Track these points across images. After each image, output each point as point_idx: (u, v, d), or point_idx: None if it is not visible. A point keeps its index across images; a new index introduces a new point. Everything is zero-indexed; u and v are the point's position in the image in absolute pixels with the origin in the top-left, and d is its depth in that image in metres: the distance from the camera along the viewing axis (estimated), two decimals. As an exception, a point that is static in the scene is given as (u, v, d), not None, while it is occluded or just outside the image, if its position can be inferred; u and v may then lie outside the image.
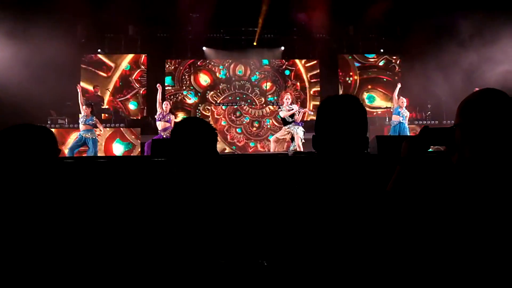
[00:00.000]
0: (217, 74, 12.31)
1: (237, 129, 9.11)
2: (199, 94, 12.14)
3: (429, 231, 1.28)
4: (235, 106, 9.27)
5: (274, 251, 1.36)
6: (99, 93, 11.34)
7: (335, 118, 1.38)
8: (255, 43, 12.10)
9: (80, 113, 8.05)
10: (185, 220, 1.47)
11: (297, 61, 12.65)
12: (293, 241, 1.32)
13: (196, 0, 10.19)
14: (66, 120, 9.58)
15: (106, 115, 10.86)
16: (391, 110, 8.47)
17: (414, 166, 1.41)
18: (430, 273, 1.25)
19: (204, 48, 12.29)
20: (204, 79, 12.23)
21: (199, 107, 12.09)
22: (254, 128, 9.20)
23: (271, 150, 7.98)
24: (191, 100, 12.16)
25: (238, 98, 11.93)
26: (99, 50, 12.01)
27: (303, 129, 7.47)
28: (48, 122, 9.43)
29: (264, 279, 1.43)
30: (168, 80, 12.11)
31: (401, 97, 8.30)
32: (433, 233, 1.27)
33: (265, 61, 12.40)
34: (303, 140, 7.42)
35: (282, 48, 12.44)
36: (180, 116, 11.73)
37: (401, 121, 7.98)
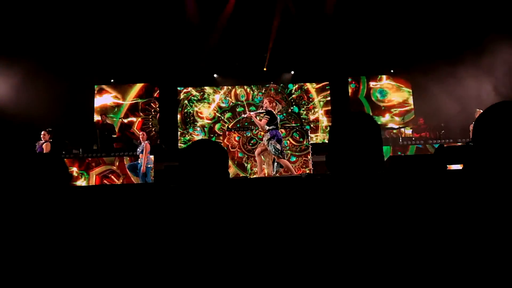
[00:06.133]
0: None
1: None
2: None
3: (444, 250, 1.22)
4: (247, 134, 9.29)
5: (290, 277, 1.31)
6: (108, 121, 11.43)
7: (349, 136, 1.34)
8: (265, 69, 12.22)
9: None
10: (196, 245, 1.43)
11: (308, 84, 12.83)
12: (308, 263, 1.27)
13: (206, 28, 10.43)
14: (81, 150, 9.70)
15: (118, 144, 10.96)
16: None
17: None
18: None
19: (215, 75, 12.46)
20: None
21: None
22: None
23: (257, 165, 7.30)
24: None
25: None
26: (112, 80, 12.24)
27: (269, 135, 6.71)
28: (63, 152, 9.54)
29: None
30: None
31: None
32: (446, 250, 1.21)
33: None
34: (269, 148, 6.71)
35: (292, 72, 12.53)
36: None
37: None
